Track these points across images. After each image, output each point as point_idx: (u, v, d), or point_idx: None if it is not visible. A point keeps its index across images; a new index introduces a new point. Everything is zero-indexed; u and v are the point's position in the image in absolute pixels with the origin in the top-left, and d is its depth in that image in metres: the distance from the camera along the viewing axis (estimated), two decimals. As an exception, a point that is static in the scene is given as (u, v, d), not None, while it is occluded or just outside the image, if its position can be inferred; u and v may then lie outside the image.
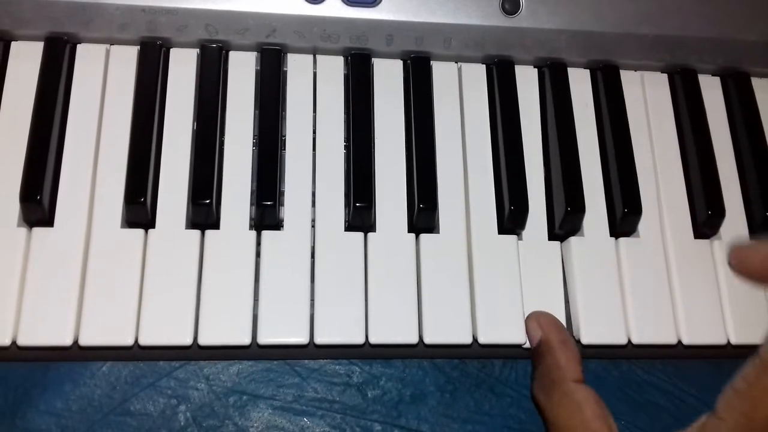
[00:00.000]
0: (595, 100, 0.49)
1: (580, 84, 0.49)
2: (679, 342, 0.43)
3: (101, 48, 0.45)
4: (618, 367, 0.45)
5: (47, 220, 0.41)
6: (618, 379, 0.45)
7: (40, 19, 0.43)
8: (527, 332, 0.42)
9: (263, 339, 0.40)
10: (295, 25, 0.45)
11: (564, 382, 0.39)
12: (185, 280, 0.40)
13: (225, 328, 0.40)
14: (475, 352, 0.43)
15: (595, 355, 0.45)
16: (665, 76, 0.50)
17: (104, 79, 0.45)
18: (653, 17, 0.48)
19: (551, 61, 0.48)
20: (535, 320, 0.42)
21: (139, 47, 0.45)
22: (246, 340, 0.40)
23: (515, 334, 0.42)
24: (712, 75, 0.51)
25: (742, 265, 0.42)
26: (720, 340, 0.43)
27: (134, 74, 0.45)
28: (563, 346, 0.40)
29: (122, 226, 0.42)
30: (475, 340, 0.42)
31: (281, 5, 0.45)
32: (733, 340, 0.43)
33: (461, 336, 0.41)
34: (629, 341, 0.43)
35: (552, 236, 0.45)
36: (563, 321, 0.43)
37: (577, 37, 0.48)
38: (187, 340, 0.40)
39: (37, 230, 0.41)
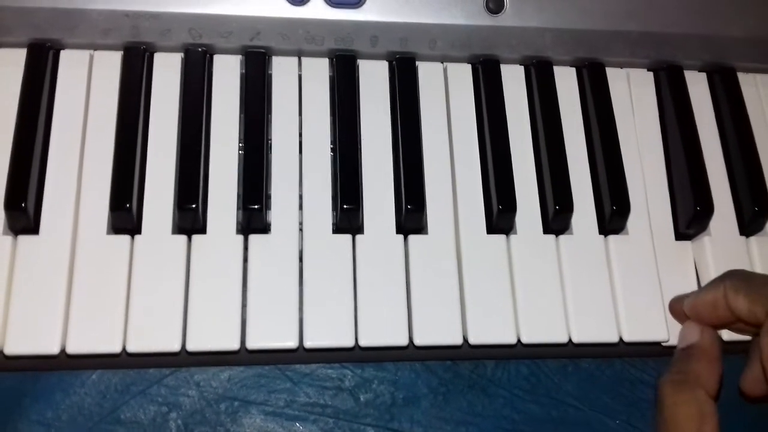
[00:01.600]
0: (581, 98, 0.49)
1: (567, 82, 0.49)
2: (669, 338, 0.43)
3: (85, 54, 0.45)
4: (611, 365, 0.45)
5: (33, 228, 0.41)
6: (612, 377, 0.45)
7: (23, 25, 0.43)
8: (683, 330, 0.42)
9: (252, 344, 0.40)
10: (279, 27, 0.45)
11: (700, 388, 0.38)
12: (172, 285, 0.40)
13: (213, 334, 0.40)
14: (466, 353, 0.43)
15: (588, 354, 0.45)
16: (651, 73, 0.50)
17: (88, 85, 0.44)
18: (638, 14, 0.48)
19: (537, 60, 0.48)
20: (699, 327, 0.41)
21: (122, 52, 0.45)
22: (235, 346, 0.40)
23: (505, 334, 0.41)
24: (698, 71, 0.51)
25: (696, 317, 0.42)
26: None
27: (118, 79, 0.44)
28: (717, 362, 0.40)
29: (108, 233, 0.41)
30: (465, 340, 0.42)
31: (264, 8, 0.44)
32: (725, 337, 0.43)
33: (451, 337, 0.41)
34: (620, 339, 0.43)
35: (547, 230, 0.45)
36: (559, 318, 0.42)
37: (562, 35, 0.47)
38: (176, 347, 0.39)
39: (22, 238, 0.40)
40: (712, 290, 0.41)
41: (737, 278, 0.40)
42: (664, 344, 0.43)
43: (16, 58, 0.44)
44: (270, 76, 0.46)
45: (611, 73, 0.49)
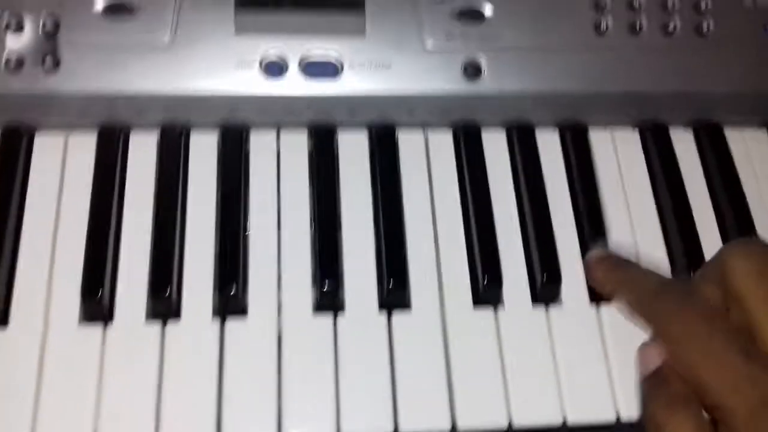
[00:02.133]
0: (566, 161, 0.48)
1: (550, 145, 0.48)
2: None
3: (59, 137, 0.44)
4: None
5: (2, 319, 0.39)
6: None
7: (-6, 111, 0.43)
8: (641, 358, 0.39)
9: (230, 435, 0.38)
10: (255, 102, 0.44)
11: (693, 404, 0.36)
12: (146, 376, 0.38)
13: (187, 427, 0.38)
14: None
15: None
16: (636, 132, 0.50)
17: (62, 169, 0.43)
18: (619, 74, 0.48)
19: (518, 124, 0.48)
20: (655, 349, 0.39)
21: (97, 134, 0.44)
22: (211, 438, 0.38)
23: (496, 417, 0.39)
24: (684, 128, 0.50)
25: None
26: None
27: (93, 162, 0.44)
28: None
29: (80, 322, 0.40)
30: (454, 425, 0.40)
31: (240, 83, 0.44)
32: None
33: (439, 422, 0.39)
34: (617, 418, 0.41)
35: (535, 301, 0.43)
36: (552, 397, 0.40)
37: (543, 99, 0.47)
38: (146, 443, 0.37)
39: (-9, 330, 0.39)
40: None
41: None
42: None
43: (-12, 144, 0.43)
44: (247, 151, 0.45)
45: (595, 134, 0.49)
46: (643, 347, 0.40)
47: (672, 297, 0.39)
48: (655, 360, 0.39)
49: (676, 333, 0.38)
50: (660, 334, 0.39)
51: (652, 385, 0.39)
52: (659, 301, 0.39)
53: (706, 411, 0.37)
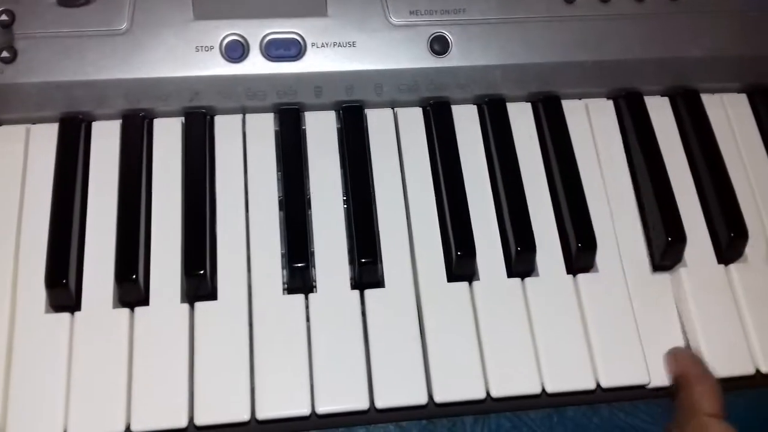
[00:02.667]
0: (539, 133, 0.47)
1: (522, 118, 0.47)
2: (650, 381, 0.40)
3: (21, 128, 0.44)
4: (598, 412, 0.42)
5: (-33, 312, 0.39)
6: (600, 425, 0.42)
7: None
8: (666, 366, 0.41)
9: (201, 419, 0.37)
10: (217, 86, 0.44)
11: (698, 415, 0.38)
12: (115, 363, 0.38)
13: (160, 412, 0.37)
14: (436, 412, 0.40)
15: (570, 402, 0.42)
16: (610, 102, 0.49)
17: (25, 160, 0.43)
18: (589, 43, 0.47)
19: (489, 98, 0.47)
20: (672, 355, 0.41)
21: (59, 124, 0.44)
22: (182, 423, 0.37)
23: (473, 389, 0.39)
24: (661, 95, 0.49)
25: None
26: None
27: (55, 151, 0.43)
28: (699, 379, 0.39)
29: (47, 311, 0.39)
30: (431, 399, 0.39)
31: (200, 67, 0.43)
32: (723, 374, 0.40)
33: (416, 396, 0.38)
34: (598, 385, 0.40)
35: (511, 274, 0.42)
36: (530, 367, 0.40)
37: (512, 71, 0.46)
38: (119, 428, 0.37)
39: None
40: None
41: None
42: (648, 387, 0.41)
43: (-50, 138, 0.43)
44: (213, 135, 0.45)
45: (568, 104, 0.48)
46: (666, 354, 0.41)
47: None
48: (671, 369, 0.40)
49: None
50: None
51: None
52: None
53: None
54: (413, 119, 0.46)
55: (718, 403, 0.38)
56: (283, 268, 0.41)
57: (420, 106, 0.47)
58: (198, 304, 0.40)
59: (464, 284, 0.42)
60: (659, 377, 0.41)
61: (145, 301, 0.40)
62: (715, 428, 0.37)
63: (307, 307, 0.40)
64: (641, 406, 0.42)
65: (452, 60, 0.46)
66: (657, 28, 0.48)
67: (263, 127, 0.45)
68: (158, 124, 0.45)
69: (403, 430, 0.41)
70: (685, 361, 0.40)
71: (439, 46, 0.46)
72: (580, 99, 0.48)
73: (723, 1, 0.49)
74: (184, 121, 0.45)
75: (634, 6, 0.48)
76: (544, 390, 0.39)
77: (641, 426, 0.42)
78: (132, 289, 0.39)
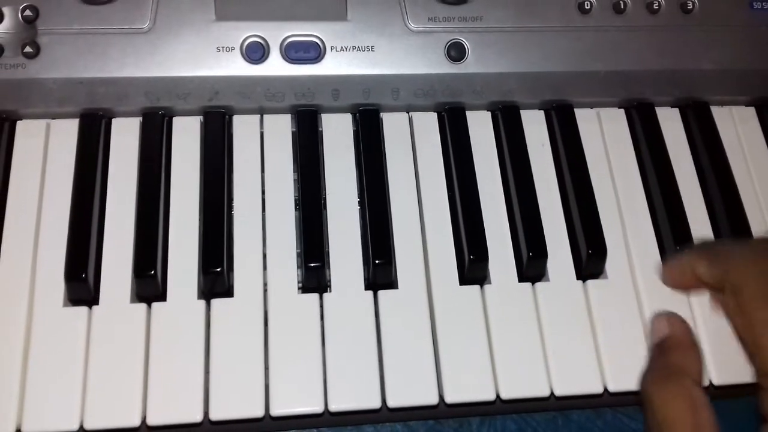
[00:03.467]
0: (551, 140, 0.48)
1: (535, 125, 0.48)
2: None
3: (41, 123, 0.44)
4: (602, 416, 0.43)
5: (-14, 304, 0.40)
6: (603, 429, 0.43)
7: (-24, 98, 0.43)
8: (653, 327, 0.41)
9: (216, 414, 0.38)
10: (237, 86, 0.44)
11: (685, 378, 0.37)
12: (132, 357, 0.39)
13: (175, 407, 0.38)
14: (445, 412, 0.40)
15: (576, 406, 0.43)
16: (622, 111, 0.49)
17: (45, 155, 0.44)
18: (603, 54, 0.48)
19: (503, 105, 0.48)
20: (666, 318, 0.41)
21: (79, 120, 0.44)
22: (197, 418, 0.38)
23: (483, 390, 0.39)
24: (671, 107, 0.50)
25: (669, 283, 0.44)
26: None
27: (75, 147, 0.44)
28: (694, 348, 0.39)
29: (65, 305, 0.40)
30: (442, 399, 0.39)
31: (221, 68, 0.44)
32: (715, 381, 0.41)
33: (427, 396, 0.39)
34: (605, 389, 0.41)
35: (522, 279, 0.43)
36: (541, 370, 0.40)
37: (527, 79, 0.47)
38: (135, 422, 0.37)
39: (-24, 315, 0.39)
40: (679, 258, 0.43)
41: (699, 246, 0.43)
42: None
43: (-28, 131, 0.43)
44: (231, 135, 0.45)
45: (581, 113, 0.48)
46: (656, 316, 0.41)
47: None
48: (663, 329, 0.40)
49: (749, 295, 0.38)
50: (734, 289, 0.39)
51: (653, 355, 0.40)
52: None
53: (758, 376, 0.37)
54: (428, 124, 0.47)
55: (702, 377, 0.39)
56: (298, 268, 0.42)
57: (435, 111, 0.48)
58: (214, 301, 0.40)
59: (476, 287, 0.42)
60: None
61: (162, 297, 0.40)
62: (701, 395, 0.37)
63: (321, 306, 0.41)
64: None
65: (468, 66, 0.46)
66: (670, 40, 0.48)
67: (281, 127, 0.46)
68: (177, 122, 0.45)
69: (410, 429, 0.42)
70: (680, 325, 0.41)
71: (456, 52, 0.46)
72: (592, 108, 0.49)
73: (734, 15, 0.49)
74: (203, 120, 0.45)
75: (648, 18, 0.49)
76: (552, 393, 0.40)
77: (643, 430, 0.43)
78: (150, 285, 0.40)
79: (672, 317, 0.41)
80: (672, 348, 0.39)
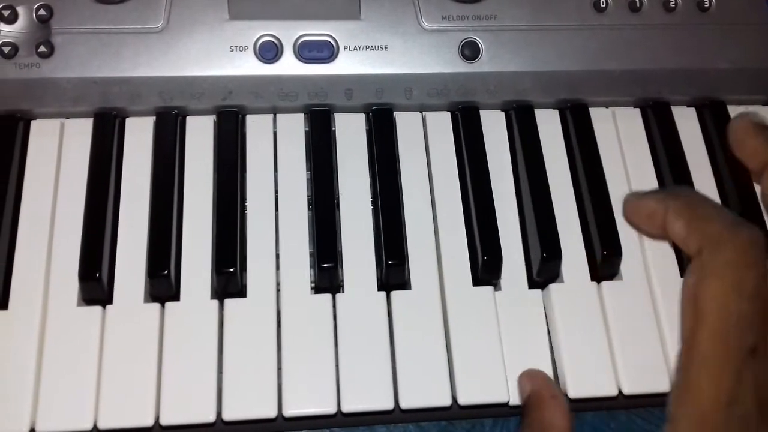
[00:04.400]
0: (566, 141, 0.47)
1: (550, 125, 0.47)
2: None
3: (55, 122, 0.44)
4: (616, 417, 0.43)
5: (1, 303, 0.40)
6: (616, 430, 0.43)
7: (-9, 98, 0.43)
8: (518, 386, 0.40)
9: (229, 415, 0.38)
10: (250, 86, 0.44)
11: (550, 430, 0.37)
12: (145, 357, 0.39)
13: (187, 407, 0.38)
14: (457, 414, 0.40)
15: (588, 408, 0.42)
16: (637, 110, 0.49)
17: (59, 154, 0.44)
18: (619, 52, 0.47)
19: (518, 104, 0.47)
20: (526, 375, 0.40)
21: (93, 119, 0.44)
22: (211, 418, 0.38)
23: (497, 393, 0.39)
24: (687, 106, 0.50)
25: (631, 220, 0.44)
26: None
27: (89, 146, 0.44)
28: (553, 401, 0.39)
29: (79, 305, 0.40)
30: (455, 401, 0.39)
31: (235, 67, 0.44)
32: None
33: (440, 398, 0.39)
34: (620, 392, 0.40)
35: (532, 284, 0.43)
36: (550, 373, 0.40)
37: (542, 78, 0.46)
38: (149, 422, 0.37)
39: (-10, 314, 0.39)
40: (654, 201, 0.42)
41: (682, 203, 0.41)
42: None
43: (-14, 131, 0.43)
44: (244, 134, 0.45)
45: (596, 112, 0.48)
46: (519, 376, 0.40)
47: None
48: (525, 388, 0.40)
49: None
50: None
51: (522, 415, 0.39)
52: None
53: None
54: (441, 123, 0.47)
55: (569, 425, 0.38)
56: (311, 268, 0.42)
57: (448, 111, 0.47)
58: (227, 301, 0.40)
59: (489, 289, 0.42)
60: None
61: (175, 297, 0.40)
62: None
63: (333, 306, 0.41)
64: (657, 413, 0.43)
65: (482, 65, 0.46)
66: (686, 38, 0.48)
67: (294, 127, 0.46)
68: (191, 122, 0.45)
69: (423, 430, 0.42)
70: (538, 380, 0.40)
71: (469, 51, 0.46)
72: (607, 107, 0.49)
73: (752, 13, 0.49)
74: (216, 119, 0.45)
75: (664, 16, 0.48)
76: (566, 395, 0.40)
77: (656, 432, 0.42)
78: (163, 285, 0.40)
79: (531, 371, 0.40)
80: (534, 406, 0.39)
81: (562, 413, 0.38)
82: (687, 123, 0.49)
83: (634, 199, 0.43)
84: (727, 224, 0.38)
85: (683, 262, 0.44)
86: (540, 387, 0.39)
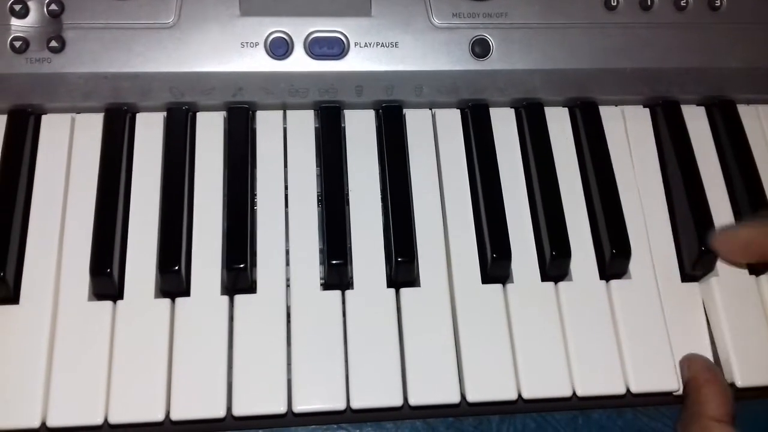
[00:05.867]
0: (575, 138, 0.47)
1: (559, 123, 0.47)
2: (680, 388, 0.41)
3: (66, 117, 0.44)
4: (623, 415, 0.43)
5: (12, 298, 0.40)
6: (624, 428, 0.43)
7: (2, 92, 0.43)
8: (681, 372, 0.41)
9: (239, 410, 0.38)
10: (261, 82, 0.44)
11: (702, 417, 0.38)
12: (156, 352, 0.39)
13: (198, 402, 0.38)
14: (465, 410, 0.40)
15: (596, 406, 0.43)
16: (647, 109, 0.49)
17: (70, 149, 0.44)
18: (629, 51, 0.47)
19: (527, 102, 0.47)
20: (686, 360, 0.41)
21: (104, 114, 0.44)
22: (221, 413, 0.38)
23: (505, 390, 0.39)
24: (697, 105, 0.49)
25: (723, 252, 0.43)
26: (725, 383, 0.41)
27: (100, 141, 0.44)
28: (708, 384, 0.39)
29: (90, 299, 0.40)
30: (463, 398, 0.39)
31: (245, 63, 0.44)
32: (739, 383, 0.41)
33: (448, 395, 0.39)
34: (628, 390, 0.40)
35: (545, 278, 0.43)
36: (558, 371, 0.40)
37: (552, 76, 0.46)
38: (159, 417, 0.38)
39: (2, 308, 0.39)
40: (749, 231, 0.42)
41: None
42: (675, 394, 0.41)
43: (-3, 125, 0.44)
44: (254, 130, 0.45)
45: (605, 111, 0.48)
46: (680, 361, 0.42)
47: None
48: (685, 373, 0.41)
49: None
50: None
51: (684, 402, 0.41)
52: None
53: None
54: (451, 120, 0.47)
55: (725, 408, 0.39)
56: (320, 264, 0.42)
57: (458, 108, 0.47)
58: (237, 297, 0.40)
59: (498, 286, 0.42)
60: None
61: (186, 292, 0.40)
62: (718, 431, 0.38)
63: (343, 303, 0.41)
64: (665, 411, 0.43)
65: (493, 63, 0.46)
66: (696, 37, 0.48)
67: (304, 123, 0.46)
68: (201, 117, 0.45)
69: (430, 426, 0.42)
70: (697, 365, 0.41)
71: (480, 49, 0.46)
72: (616, 105, 0.49)
73: (762, 12, 0.49)
74: (226, 115, 0.45)
75: (675, 15, 0.48)
76: (574, 393, 0.40)
77: (663, 430, 0.42)
78: (174, 280, 0.40)
79: (691, 357, 0.41)
80: (692, 390, 0.40)
81: (717, 397, 0.39)
82: (696, 122, 0.49)
83: (725, 231, 0.43)
84: None
85: (683, 265, 0.44)
86: (697, 372, 0.40)
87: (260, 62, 0.44)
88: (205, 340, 0.39)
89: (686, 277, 0.44)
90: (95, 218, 0.41)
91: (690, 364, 0.41)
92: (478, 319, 0.41)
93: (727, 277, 0.44)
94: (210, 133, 0.45)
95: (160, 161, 0.44)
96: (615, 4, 0.47)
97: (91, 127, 0.44)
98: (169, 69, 0.43)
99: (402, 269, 0.41)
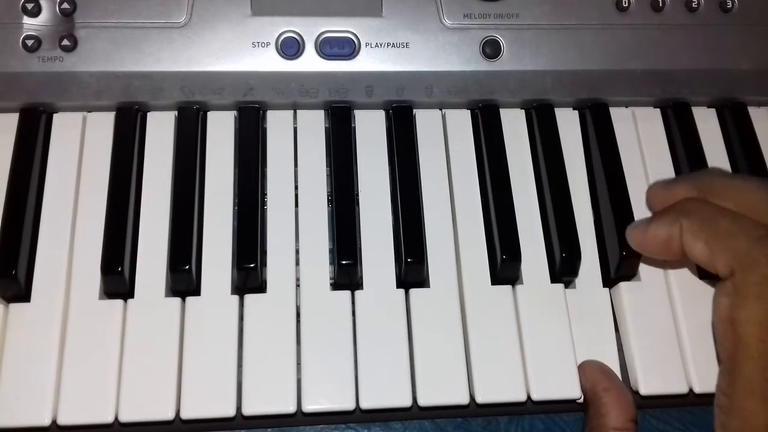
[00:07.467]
0: (584, 140, 0.47)
1: (569, 124, 0.47)
2: (690, 391, 0.40)
3: (77, 116, 0.45)
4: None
5: (24, 295, 0.40)
6: (631, 430, 0.43)
7: (14, 91, 0.43)
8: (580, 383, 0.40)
9: (248, 410, 0.38)
10: (272, 81, 0.44)
11: (605, 429, 0.37)
12: (166, 351, 0.39)
13: (208, 401, 0.38)
14: (474, 411, 0.40)
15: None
16: (658, 110, 0.49)
17: (81, 148, 0.44)
18: (640, 52, 0.47)
19: (538, 103, 0.47)
20: (581, 368, 0.40)
21: (115, 113, 0.44)
22: (231, 412, 0.38)
23: (514, 391, 0.39)
24: (707, 107, 0.49)
25: (639, 248, 0.40)
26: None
27: (111, 140, 0.44)
28: (607, 392, 0.38)
29: (101, 298, 0.40)
30: (473, 399, 0.40)
31: (256, 63, 0.44)
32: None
33: (458, 396, 0.39)
34: (636, 392, 0.40)
35: (554, 280, 0.43)
36: (567, 372, 0.40)
37: (562, 77, 0.46)
38: (169, 415, 0.38)
39: (13, 306, 0.40)
40: (665, 226, 0.37)
41: (696, 221, 0.36)
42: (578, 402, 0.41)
43: (9, 124, 0.44)
44: (265, 130, 0.45)
45: (616, 112, 0.48)
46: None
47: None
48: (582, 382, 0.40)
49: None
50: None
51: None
52: None
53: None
54: (461, 121, 0.47)
55: (625, 414, 0.38)
56: (330, 264, 0.42)
57: (468, 109, 0.47)
58: (247, 297, 0.40)
59: (508, 288, 0.42)
60: (699, 385, 0.41)
61: (196, 292, 0.41)
62: None
63: (353, 303, 0.41)
64: (673, 413, 0.43)
65: (503, 64, 0.46)
66: (708, 39, 0.48)
67: (314, 123, 0.46)
68: (212, 117, 0.45)
69: (438, 427, 0.42)
70: (592, 372, 0.39)
71: (491, 49, 0.46)
72: (627, 107, 0.49)
73: (774, 14, 0.48)
74: (237, 115, 0.45)
75: (686, 16, 0.48)
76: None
77: (671, 432, 0.43)
78: (184, 279, 0.40)
79: (587, 364, 0.40)
80: (590, 401, 0.39)
81: (613, 404, 0.38)
82: (707, 124, 0.48)
83: (638, 231, 0.39)
84: (753, 238, 0.34)
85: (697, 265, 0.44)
86: (593, 381, 0.39)
87: (271, 62, 0.44)
88: (215, 339, 0.39)
89: (700, 276, 0.43)
90: (106, 217, 0.41)
91: (585, 371, 0.40)
92: (488, 320, 0.41)
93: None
94: (221, 132, 0.45)
95: (171, 160, 0.44)
96: (626, 5, 0.47)
97: (103, 125, 0.44)
98: (180, 68, 0.43)
99: (411, 270, 0.41)
